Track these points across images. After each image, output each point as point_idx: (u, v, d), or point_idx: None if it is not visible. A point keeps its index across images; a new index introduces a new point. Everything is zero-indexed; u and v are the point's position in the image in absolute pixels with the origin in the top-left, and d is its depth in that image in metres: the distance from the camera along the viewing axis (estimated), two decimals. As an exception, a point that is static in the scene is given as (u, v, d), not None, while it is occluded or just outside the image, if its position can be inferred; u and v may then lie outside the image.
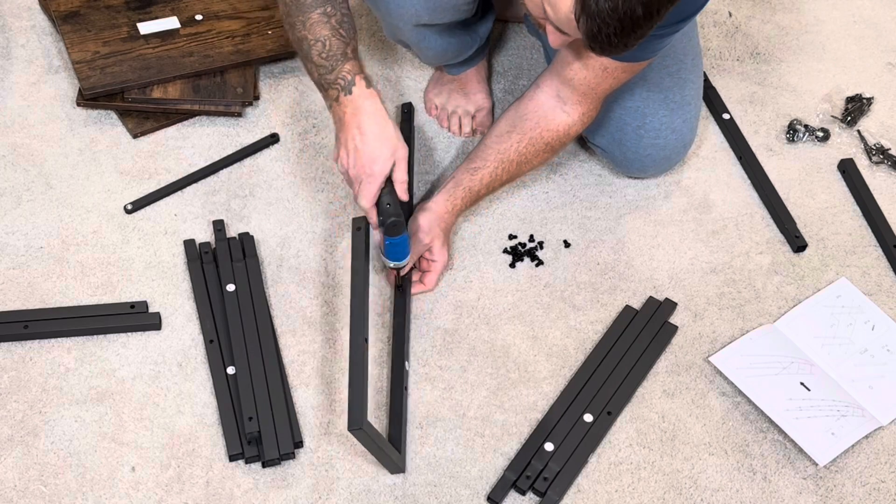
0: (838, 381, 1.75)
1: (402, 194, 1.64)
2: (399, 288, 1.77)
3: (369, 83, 1.61)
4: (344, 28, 1.62)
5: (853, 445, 1.68)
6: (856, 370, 1.76)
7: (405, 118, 2.00)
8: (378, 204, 1.63)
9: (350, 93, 1.59)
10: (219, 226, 1.83)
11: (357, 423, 1.47)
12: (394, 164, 1.62)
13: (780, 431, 1.69)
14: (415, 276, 1.80)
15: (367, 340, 1.58)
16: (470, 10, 1.78)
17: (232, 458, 1.61)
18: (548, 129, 1.74)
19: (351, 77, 1.60)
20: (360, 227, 1.68)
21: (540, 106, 1.74)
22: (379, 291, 1.80)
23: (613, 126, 1.84)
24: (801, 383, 1.73)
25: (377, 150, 1.59)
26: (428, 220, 1.74)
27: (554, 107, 1.73)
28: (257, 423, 1.61)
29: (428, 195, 1.90)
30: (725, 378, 1.74)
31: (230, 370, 1.68)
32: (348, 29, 1.63)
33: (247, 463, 1.61)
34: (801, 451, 1.67)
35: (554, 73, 1.71)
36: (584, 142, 2.00)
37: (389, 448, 1.57)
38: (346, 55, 1.60)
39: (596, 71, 1.66)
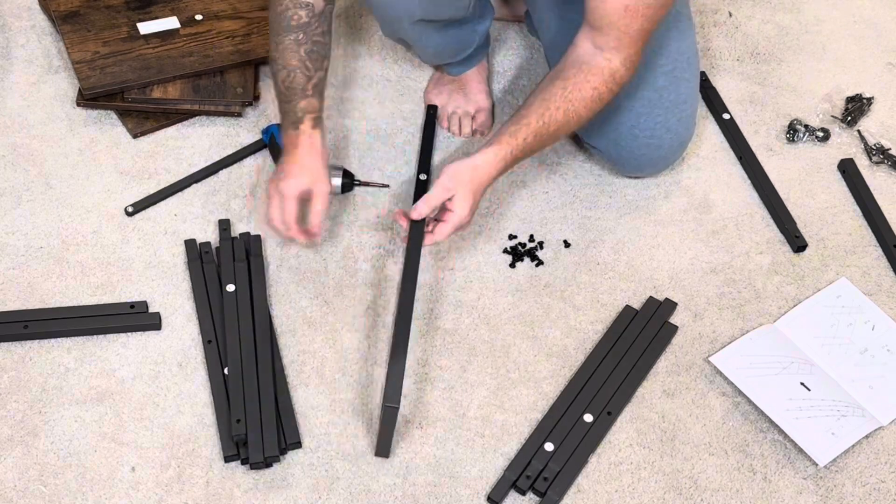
0: (838, 381, 1.75)
1: (314, 224, 1.70)
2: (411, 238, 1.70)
3: (316, 123, 1.70)
4: (311, 59, 1.69)
5: (853, 446, 1.68)
6: (856, 370, 1.76)
7: (428, 120, 1.99)
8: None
9: (297, 128, 1.70)
10: (224, 225, 1.83)
11: (395, 399, 1.50)
12: (312, 195, 1.69)
13: (780, 431, 1.69)
14: (429, 227, 1.70)
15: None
16: (467, 8, 1.78)
17: (227, 459, 1.60)
18: (591, 73, 1.66)
19: (301, 115, 1.69)
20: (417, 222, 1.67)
21: (579, 56, 1.68)
22: (380, 293, 1.81)
23: (609, 126, 1.84)
24: (802, 383, 1.73)
25: (297, 175, 1.68)
26: (456, 169, 1.64)
27: (593, 53, 1.66)
28: (244, 425, 1.61)
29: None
30: (725, 378, 1.74)
31: (227, 371, 1.68)
32: (316, 59, 1.70)
33: (243, 464, 1.61)
34: (801, 451, 1.67)
35: (584, 27, 1.67)
36: (582, 142, 2.00)
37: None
38: (305, 91, 1.69)
39: (619, 12, 1.61)
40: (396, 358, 1.56)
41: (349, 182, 1.87)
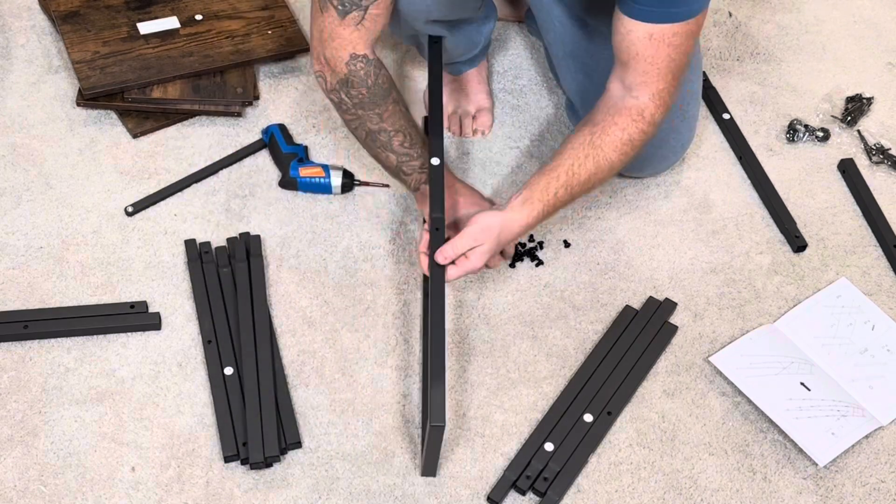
0: (838, 381, 1.75)
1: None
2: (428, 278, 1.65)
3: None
4: (407, 114, 1.76)
5: (853, 446, 1.68)
6: (856, 370, 1.76)
7: (433, 99, 1.89)
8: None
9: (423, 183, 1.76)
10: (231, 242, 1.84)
11: (441, 419, 1.48)
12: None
13: (780, 431, 1.69)
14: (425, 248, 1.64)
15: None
16: (478, 8, 1.78)
17: (227, 459, 1.60)
18: (619, 114, 1.63)
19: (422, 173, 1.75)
20: (437, 228, 1.63)
21: (609, 98, 1.66)
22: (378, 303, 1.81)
23: None
24: (802, 383, 1.73)
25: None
26: (488, 222, 1.60)
27: (622, 95, 1.65)
28: (243, 426, 1.62)
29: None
30: (725, 378, 1.74)
31: (227, 371, 1.68)
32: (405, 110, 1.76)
33: (243, 464, 1.61)
34: (801, 451, 1.67)
35: (615, 67, 1.65)
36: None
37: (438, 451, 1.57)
38: (421, 147, 1.75)
39: (643, 42, 1.58)
40: (437, 378, 1.52)
41: (349, 182, 1.88)
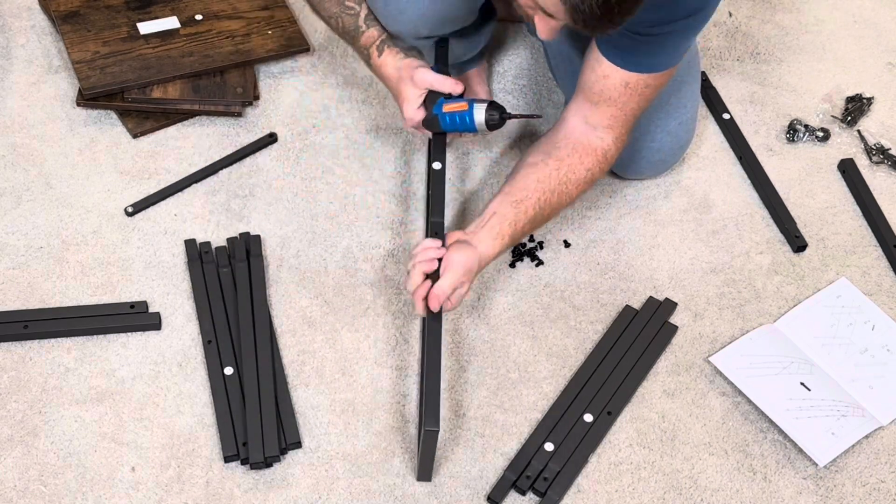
0: (838, 382, 1.75)
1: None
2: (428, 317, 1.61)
3: (380, 51, 1.76)
4: None
5: (853, 446, 1.68)
6: (856, 370, 1.76)
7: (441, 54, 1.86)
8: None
9: (369, 64, 1.79)
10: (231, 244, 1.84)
11: (435, 423, 1.48)
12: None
13: (780, 431, 1.69)
14: (422, 292, 1.59)
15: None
16: (471, 20, 1.79)
17: (227, 459, 1.60)
18: (585, 154, 1.67)
19: (366, 51, 1.78)
20: (437, 232, 1.63)
21: (571, 132, 1.68)
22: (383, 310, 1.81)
23: None
24: (802, 383, 1.73)
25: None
26: (468, 263, 1.58)
27: (585, 132, 1.67)
28: (243, 426, 1.62)
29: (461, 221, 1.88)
30: (725, 378, 1.74)
31: (227, 371, 1.68)
32: None
33: (243, 464, 1.61)
34: (801, 451, 1.67)
35: (578, 100, 1.67)
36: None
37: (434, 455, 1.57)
38: (360, 29, 1.76)
39: (618, 89, 1.62)
40: (431, 380, 1.52)
41: (496, 116, 1.68)
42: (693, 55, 1.85)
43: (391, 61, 1.74)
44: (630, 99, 1.64)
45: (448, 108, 1.70)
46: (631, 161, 1.87)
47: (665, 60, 1.62)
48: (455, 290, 1.58)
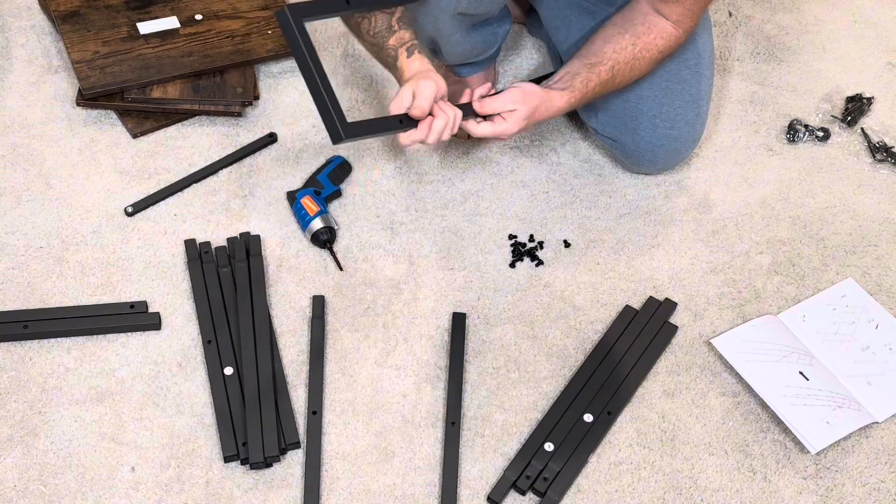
0: (837, 376, 1.75)
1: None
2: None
3: (410, 52, 1.69)
4: None
5: (853, 445, 1.68)
6: (856, 366, 1.76)
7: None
8: None
9: (396, 65, 1.71)
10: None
11: (339, 136, 1.53)
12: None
13: (781, 431, 1.69)
14: (476, 120, 1.68)
15: None
16: (501, 4, 1.79)
17: (227, 459, 1.60)
18: (661, 36, 1.73)
19: (394, 52, 1.70)
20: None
21: (647, 14, 1.74)
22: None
23: (629, 115, 1.84)
24: (801, 373, 1.74)
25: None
26: (531, 91, 1.66)
27: (657, 17, 1.73)
28: (243, 426, 1.62)
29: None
30: (725, 378, 1.74)
31: (227, 371, 1.68)
32: None
33: (243, 464, 1.61)
34: (801, 450, 1.67)
35: None
36: (583, 140, 2.01)
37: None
38: (392, 29, 1.71)
39: None
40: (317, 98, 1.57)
41: (322, 235, 1.83)
42: (712, 50, 1.90)
43: (418, 66, 1.71)
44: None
45: (305, 201, 1.85)
46: (648, 150, 1.87)
47: None
48: (511, 114, 1.64)
